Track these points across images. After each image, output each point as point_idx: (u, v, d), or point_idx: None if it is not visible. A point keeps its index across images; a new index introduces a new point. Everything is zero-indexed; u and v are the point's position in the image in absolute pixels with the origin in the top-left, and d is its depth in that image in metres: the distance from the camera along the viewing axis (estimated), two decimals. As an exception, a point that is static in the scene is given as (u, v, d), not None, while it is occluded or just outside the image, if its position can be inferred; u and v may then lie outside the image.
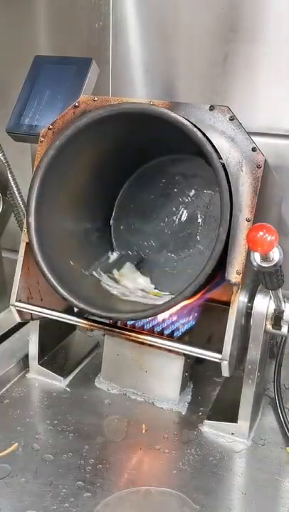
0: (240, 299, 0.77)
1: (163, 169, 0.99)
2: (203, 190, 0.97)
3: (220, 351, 0.77)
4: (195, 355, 0.81)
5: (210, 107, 0.78)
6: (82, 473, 0.77)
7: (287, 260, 0.68)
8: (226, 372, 0.78)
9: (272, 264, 0.66)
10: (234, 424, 0.85)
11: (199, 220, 0.98)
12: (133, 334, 0.85)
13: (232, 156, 0.77)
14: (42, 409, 0.91)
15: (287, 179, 1.03)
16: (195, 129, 0.75)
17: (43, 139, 0.87)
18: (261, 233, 0.63)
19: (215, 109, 0.78)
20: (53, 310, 0.90)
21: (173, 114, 0.76)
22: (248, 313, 0.81)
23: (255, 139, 0.77)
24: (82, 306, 0.81)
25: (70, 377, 0.99)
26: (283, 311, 0.79)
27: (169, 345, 0.83)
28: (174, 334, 0.88)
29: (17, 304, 0.90)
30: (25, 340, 1.02)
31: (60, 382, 0.97)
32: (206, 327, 0.93)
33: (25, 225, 0.85)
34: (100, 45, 1.18)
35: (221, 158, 0.76)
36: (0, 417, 0.88)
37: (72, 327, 1.09)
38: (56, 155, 0.82)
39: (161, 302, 0.79)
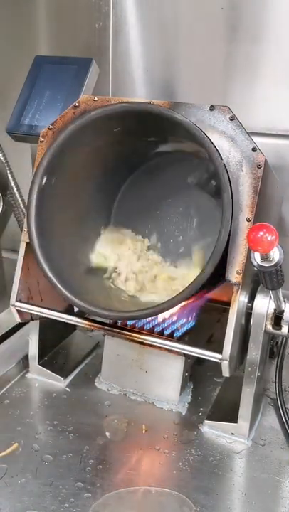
0: (240, 299, 0.77)
1: (163, 168, 0.99)
2: (203, 190, 0.97)
3: (220, 351, 0.77)
4: (195, 355, 0.81)
5: (210, 107, 0.78)
6: (82, 474, 0.77)
7: (287, 260, 0.68)
8: (226, 372, 0.78)
9: (272, 264, 0.66)
10: (234, 424, 0.85)
11: (199, 220, 0.98)
12: (133, 334, 0.84)
13: (232, 156, 0.77)
14: (42, 410, 0.91)
15: (287, 179, 1.03)
16: (196, 129, 0.75)
17: (43, 139, 0.87)
18: (261, 233, 0.63)
19: (215, 109, 0.78)
20: (53, 310, 0.90)
21: (174, 114, 0.76)
22: (248, 313, 0.81)
23: (255, 139, 0.77)
24: (83, 305, 0.80)
25: (70, 378, 0.99)
26: (283, 311, 0.79)
27: (169, 346, 0.83)
28: (174, 334, 0.88)
29: (17, 304, 0.90)
30: (25, 340, 1.02)
31: (60, 383, 0.97)
32: (206, 327, 0.94)
33: (25, 225, 0.85)
34: (100, 45, 1.18)
35: (221, 158, 0.76)
36: (0, 417, 0.88)
37: (73, 327, 1.09)
38: (56, 155, 0.82)
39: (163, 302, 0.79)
